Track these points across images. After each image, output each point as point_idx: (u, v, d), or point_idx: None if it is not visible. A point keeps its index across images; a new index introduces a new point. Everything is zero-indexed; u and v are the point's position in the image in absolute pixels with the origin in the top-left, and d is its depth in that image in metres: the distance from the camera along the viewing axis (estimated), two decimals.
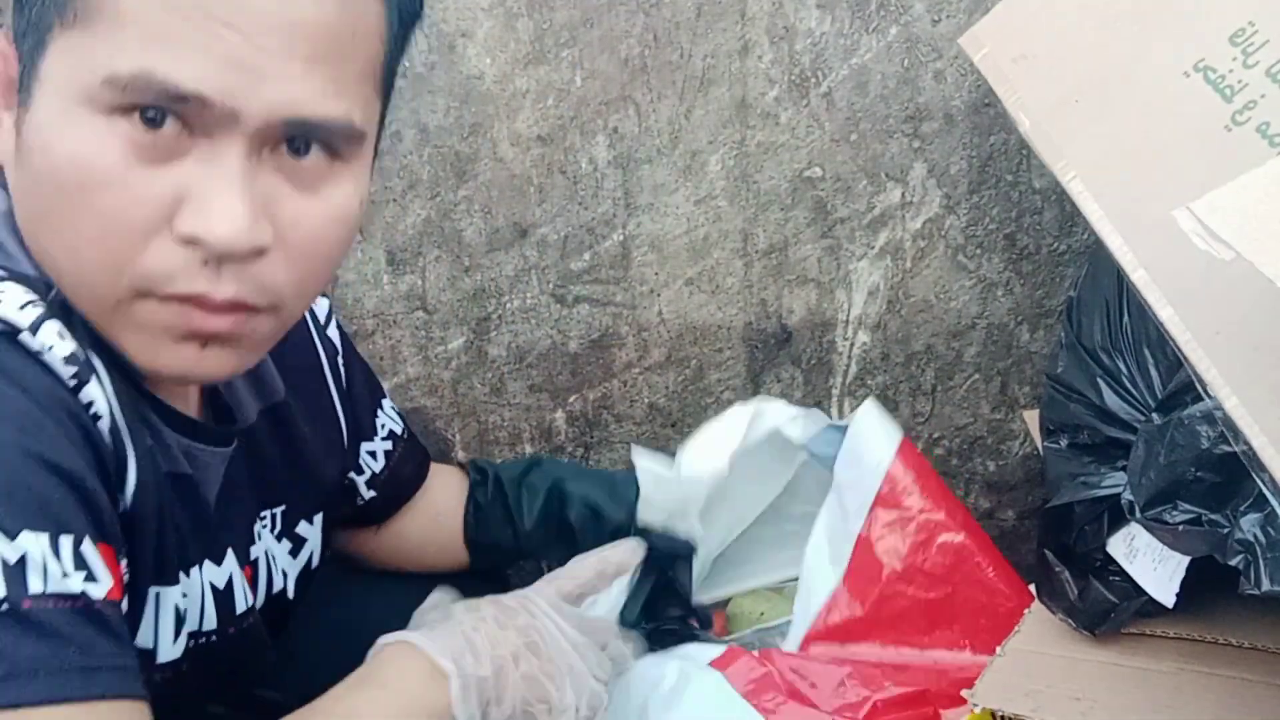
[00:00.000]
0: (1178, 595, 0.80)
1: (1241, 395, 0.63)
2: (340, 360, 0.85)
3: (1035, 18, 0.81)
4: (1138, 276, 0.70)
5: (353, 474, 0.89)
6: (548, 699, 0.71)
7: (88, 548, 0.52)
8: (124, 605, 0.55)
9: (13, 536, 0.49)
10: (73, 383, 0.55)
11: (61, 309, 0.56)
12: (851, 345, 1.13)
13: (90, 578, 0.51)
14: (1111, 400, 0.83)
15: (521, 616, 0.73)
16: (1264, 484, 0.65)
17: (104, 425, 0.56)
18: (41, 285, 0.56)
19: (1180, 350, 0.67)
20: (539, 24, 1.05)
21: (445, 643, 0.69)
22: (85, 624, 0.50)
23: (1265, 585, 0.67)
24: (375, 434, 0.89)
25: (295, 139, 0.56)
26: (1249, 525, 0.69)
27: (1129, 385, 0.82)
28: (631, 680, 0.83)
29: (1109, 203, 0.73)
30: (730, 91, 1.06)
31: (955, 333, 1.12)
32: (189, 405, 0.68)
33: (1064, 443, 0.87)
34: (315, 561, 0.82)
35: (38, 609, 0.49)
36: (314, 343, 0.82)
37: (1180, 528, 0.74)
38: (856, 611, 0.93)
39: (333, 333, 0.85)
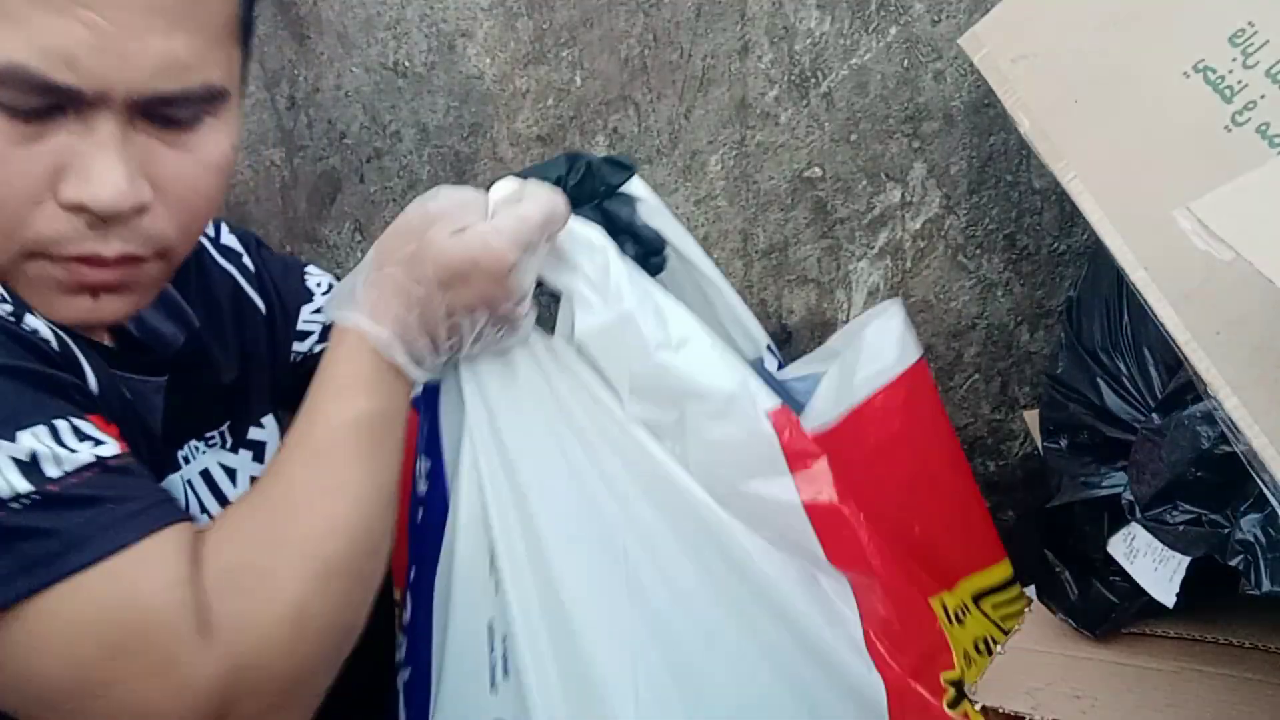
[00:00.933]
0: (1178, 595, 0.80)
1: (1241, 395, 0.63)
2: (246, 259, 0.86)
3: (1035, 18, 0.81)
4: (1138, 277, 0.70)
5: (297, 345, 0.89)
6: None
7: (80, 423, 0.55)
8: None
9: (13, 439, 0.52)
10: (12, 317, 0.58)
11: None
12: None
13: (96, 444, 0.55)
14: (1112, 401, 0.83)
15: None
16: (1264, 484, 0.65)
17: (53, 346, 0.59)
18: None
19: (1180, 350, 0.67)
20: (539, 24, 1.05)
21: (413, 324, 0.66)
22: (111, 480, 0.54)
23: (1265, 585, 0.67)
24: (314, 295, 0.91)
25: (162, 106, 0.58)
26: (1249, 525, 0.69)
27: (1129, 385, 0.82)
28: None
29: (1109, 203, 0.73)
30: (730, 91, 1.06)
31: (955, 333, 1.12)
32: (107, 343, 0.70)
33: (1064, 443, 0.88)
34: None
35: (64, 488, 0.53)
36: (214, 258, 0.83)
37: (1180, 528, 0.74)
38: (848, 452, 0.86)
39: (228, 240, 0.85)
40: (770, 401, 0.77)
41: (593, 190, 0.80)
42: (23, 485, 0.52)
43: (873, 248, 1.10)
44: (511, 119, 1.08)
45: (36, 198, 0.57)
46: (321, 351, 0.84)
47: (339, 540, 0.59)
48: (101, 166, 0.57)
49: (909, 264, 1.10)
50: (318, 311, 0.91)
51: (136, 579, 0.53)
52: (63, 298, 0.61)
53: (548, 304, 0.79)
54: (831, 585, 0.79)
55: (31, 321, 0.59)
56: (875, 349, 0.92)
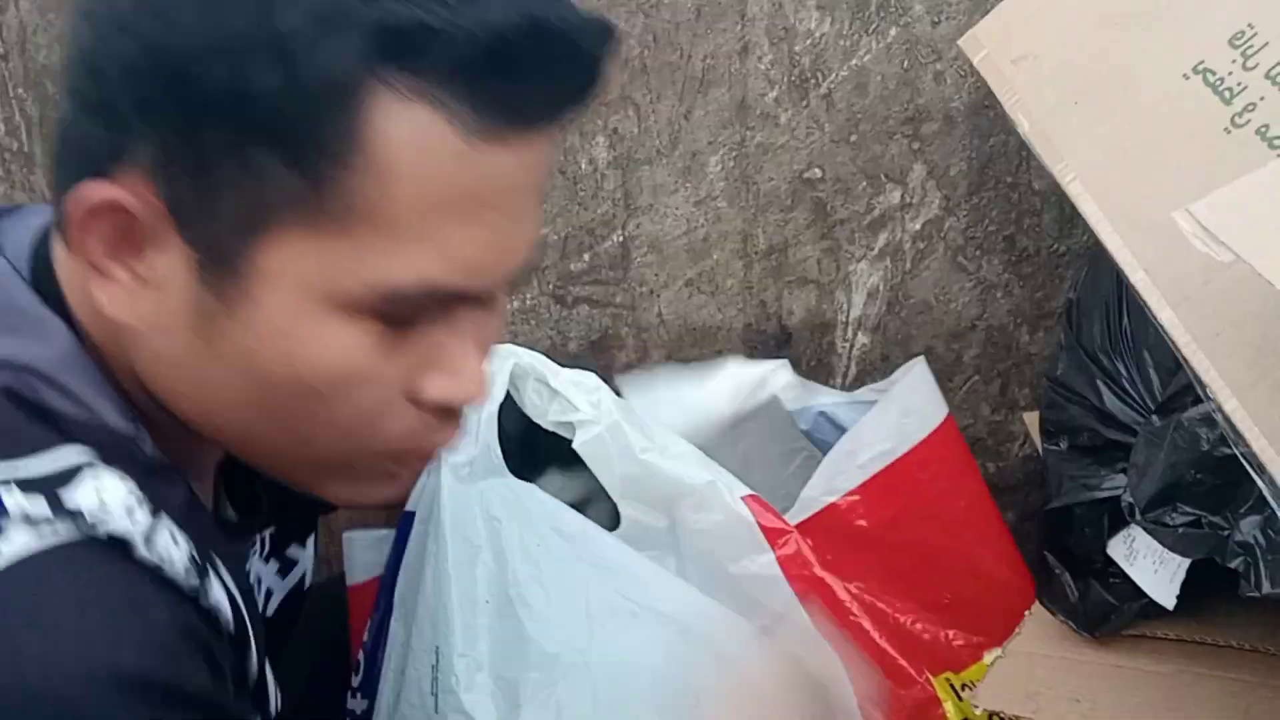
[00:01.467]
0: (1178, 597, 0.80)
1: (1241, 397, 0.63)
2: None
3: (1035, 19, 0.81)
4: (1137, 278, 0.70)
5: None
6: None
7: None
8: None
9: None
10: (194, 592, 0.49)
11: (151, 468, 0.51)
12: (851, 346, 1.13)
13: None
14: (1111, 402, 0.83)
15: None
16: (1264, 486, 0.65)
17: (226, 617, 0.52)
18: (127, 439, 0.51)
19: (1180, 352, 0.67)
20: None
21: None
22: None
23: (1265, 587, 0.67)
24: None
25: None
26: (1249, 527, 0.69)
27: (1129, 387, 0.82)
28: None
29: (1109, 204, 0.73)
30: (730, 92, 1.06)
31: (955, 334, 1.11)
32: (208, 499, 0.62)
33: (1064, 445, 0.88)
34: (307, 582, 0.78)
35: None
36: None
37: (1180, 530, 0.74)
38: (859, 527, 0.91)
39: None
40: (742, 489, 0.86)
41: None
42: None
43: (872, 249, 1.09)
44: None
45: (393, 400, 0.51)
46: None
47: None
48: (466, 361, 0.51)
49: (909, 265, 1.09)
50: None
51: None
52: (378, 485, 0.55)
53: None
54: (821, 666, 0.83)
55: (211, 593, 0.50)
56: (894, 418, 0.94)
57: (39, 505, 0.45)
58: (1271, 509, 0.66)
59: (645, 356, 1.15)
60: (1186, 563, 0.79)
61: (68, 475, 0.46)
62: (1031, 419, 1.02)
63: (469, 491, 0.85)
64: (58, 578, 0.44)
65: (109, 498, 0.47)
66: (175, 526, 0.49)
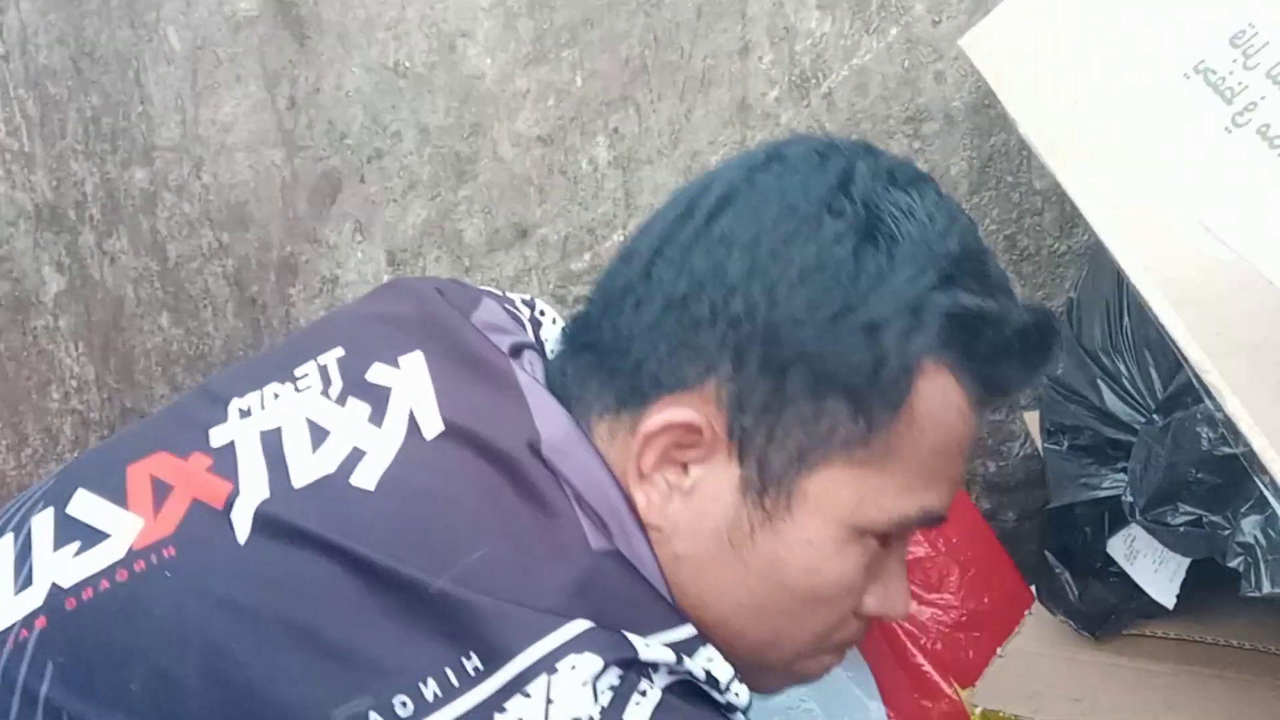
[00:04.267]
0: (1178, 596, 0.80)
1: (1242, 396, 0.63)
2: None
3: (1035, 19, 0.81)
4: (1138, 277, 0.70)
5: None
6: None
7: None
8: None
9: None
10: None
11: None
12: None
13: None
14: (1112, 402, 0.83)
15: None
16: (1264, 486, 0.65)
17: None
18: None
19: (1180, 351, 0.67)
20: (539, 24, 1.05)
21: None
22: None
23: (1266, 587, 0.67)
24: None
25: None
26: (1249, 527, 0.69)
27: (1129, 387, 0.82)
28: None
29: (1109, 204, 0.73)
30: (731, 92, 1.06)
31: None
32: None
33: (1064, 444, 0.88)
34: None
35: None
36: None
37: (1181, 529, 0.74)
38: None
39: None
40: None
41: None
42: None
43: None
44: (512, 119, 1.08)
45: (852, 610, 0.59)
46: None
47: None
48: (902, 582, 0.61)
49: None
50: None
51: None
52: (787, 681, 0.63)
53: None
54: (854, 674, 0.83)
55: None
56: None
57: (685, 663, 0.52)
58: (1272, 508, 0.66)
59: None
60: (1187, 562, 0.79)
61: (694, 645, 0.54)
62: (1032, 418, 1.02)
63: None
64: (701, 709, 0.52)
65: (722, 674, 0.54)
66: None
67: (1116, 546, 0.84)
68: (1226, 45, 0.72)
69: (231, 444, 0.54)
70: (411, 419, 0.54)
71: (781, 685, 0.63)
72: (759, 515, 0.55)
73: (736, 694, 0.54)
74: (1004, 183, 1.06)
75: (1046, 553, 0.91)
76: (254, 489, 0.52)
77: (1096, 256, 0.90)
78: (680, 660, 0.51)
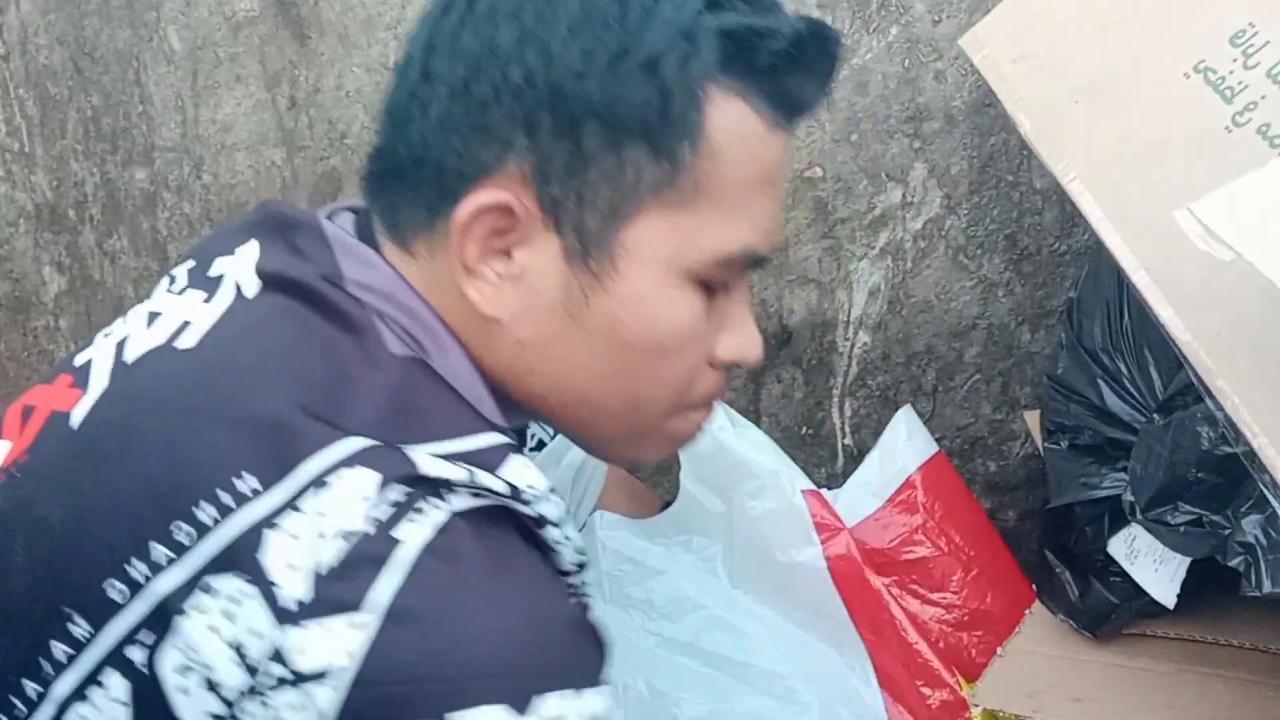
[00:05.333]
0: (1178, 596, 0.80)
1: (1242, 396, 0.63)
2: None
3: (1035, 19, 0.81)
4: (1138, 277, 0.70)
5: None
6: None
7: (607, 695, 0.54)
8: None
9: (582, 693, 0.49)
10: (578, 569, 0.57)
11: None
12: (852, 345, 1.13)
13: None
14: (1112, 401, 0.83)
15: None
16: (1265, 485, 0.65)
17: (575, 556, 0.58)
18: (504, 429, 0.57)
19: (1181, 351, 0.67)
20: None
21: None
22: None
23: (1266, 586, 0.67)
24: None
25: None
26: (1250, 526, 0.69)
27: (1130, 386, 0.82)
28: None
29: (1109, 203, 0.73)
30: None
31: (956, 333, 1.11)
32: None
33: (1065, 444, 0.88)
34: None
35: None
36: None
37: (1181, 528, 0.74)
38: (885, 540, 0.94)
39: None
40: (804, 482, 0.88)
41: None
42: None
43: (873, 248, 1.09)
44: None
45: (701, 361, 0.61)
46: None
47: None
48: (749, 324, 0.62)
49: (910, 264, 1.10)
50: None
51: None
52: (668, 446, 0.64)
53: None
54: (852, 662, 0.84)
55: (587, 575, 0.58)
56: (888, 455, 0.98)
57: (488, 479, 0.52)
58: (1272, 508, 0.66)
59: None
60: (1187, 562, 0.79)
61: (498, 455, 0.54)
62: (1032, 418, 1.02)
63: None
64: (501, 530, 0.52)
65: (533, 481, 0.54)
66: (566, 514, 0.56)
67: (1117, 546, 0.84)
68: (1226, 45, 0.72)
69: (89, 360, 0.58)
70: (237, 287, 0.57)
71: (662, 451, 0.65)
72: (588, 280, 0.56)
73: (566, 535, 0.55)
74: (1004, 182, 1.06)
75: (1046, 552, 0.91)
76: (98, 384, 0.56)
77: (1096, 256, 0.90)
78: (474, 476, 0.51)
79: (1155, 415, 0.79)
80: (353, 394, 0.53)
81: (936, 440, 1.15)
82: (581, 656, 0.51)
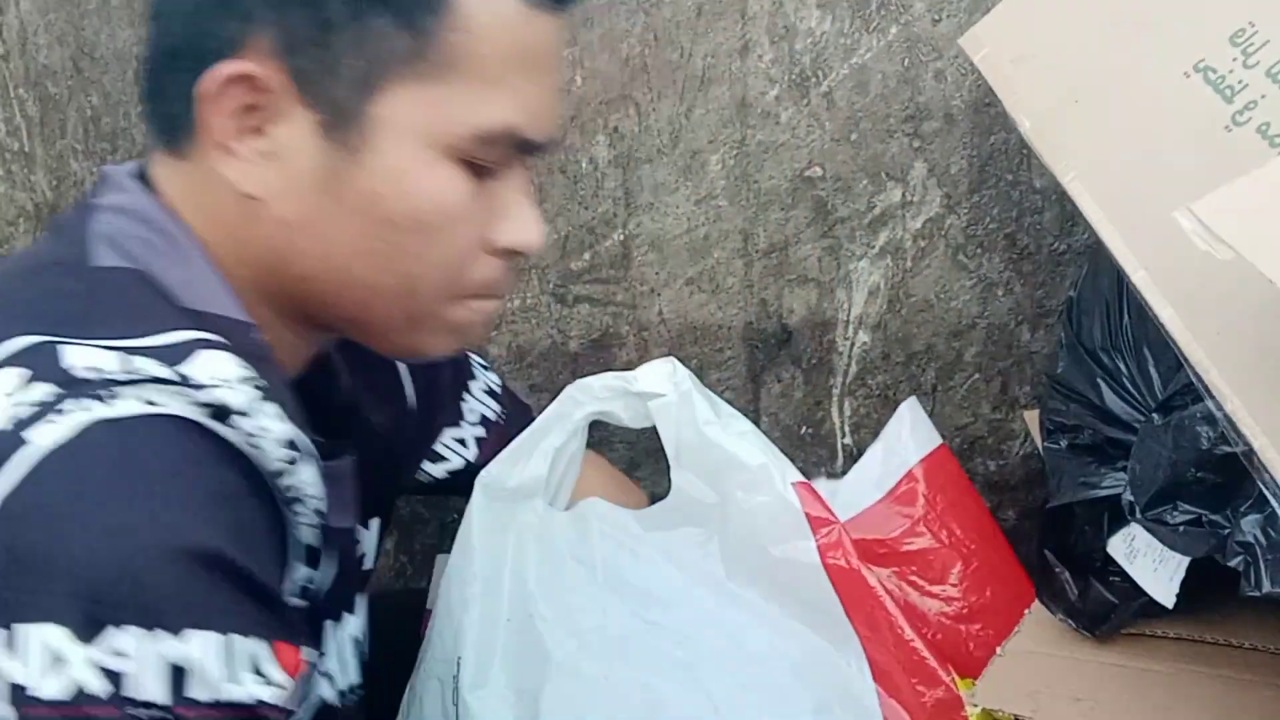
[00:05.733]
0: (1178, 596, 0.80)
1: (1242, 396, 0.63)
2: None
3: (1035, 18, 0.81)
4: (1138, 277, 0.70)
5: (429, 465, 0.90)
6: None
7: (260, 649, 0.49)
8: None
9: (178, 635, 0.46)
10: (282, 466, 0.54)
11: (259, 355, 0.56)
12: (852, 345, 1.13)
13: (264, 683, 0.49)
14: (1112, 401, 0.83)
15: None
16: (1264, 485, 0.65)
17: (313, 504, 0.56)
18: (242, 325, 0.57)
19: (1180, 351, 0.67)
20: None
21: None
22: None
23: (1266, 586, 0.67)
24: (461, 420, 0.91)
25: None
26: (1249, 526, 0.69)
27: (1129, 386, 0.82)
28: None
29: (1109, 203, 0.73)
30: (730, 91, 1.06)
31: (956, 332, 1.11)
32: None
33: (1064, 443, 0.88)
34: (366, 564, 0.78)
35: (202, 717, 0.47)
36: None
37: (1181, 528, 0.74)
38: (886, 534, 0.93)
39: None
40: (795, 475, 0.87)
41: None
42: (159, 695, 0.46)
43: (873, 247, 1.09)
44: None
45: (476, 246, 0.60)
46: (444, 482, 0.91)
47: None
48: (529, 212, 0.62)
49: (909, 263, 1.09)
50: (460, 441, 0.91)
51: None
52: (454, 337, 0.64)
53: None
54: (847, 657, 0.85)
55: (300, 474, 0.55)
56: (891, 447, 0.97)
57: (155, 368, 0.51)
58: (1272, 508, 0.66)
59: (646, 355, 1.15)
60: (1187, 561, 0.79)
61: (184, 350, 0.52)
62: (1032, 417, 1.02)
63: (500, 511, 0.87)
64: (153, 445, 0.49)
65: (219, 372, 0.52)
66: (278, 407, 0.54)
67: (1116, 546, 0.84)
68: (1226, 44, 0.71)
69: None
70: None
71: (445, 342, 0.64)
72: (344, 154, 0.56)
73: (262, 426, 0.53)
74: (1004, 181, 1.06)
75: (1046, 552, 0.91)
76: None
77: (1096, 256, 0.90)
78: (130, 362, 0.50)
79: (1155, 415, 0.78)
80: (40, 305, 0.53)
81: None
82: (182, 596, 0.47)
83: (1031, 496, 1.15)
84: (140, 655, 0.45)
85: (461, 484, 0.90)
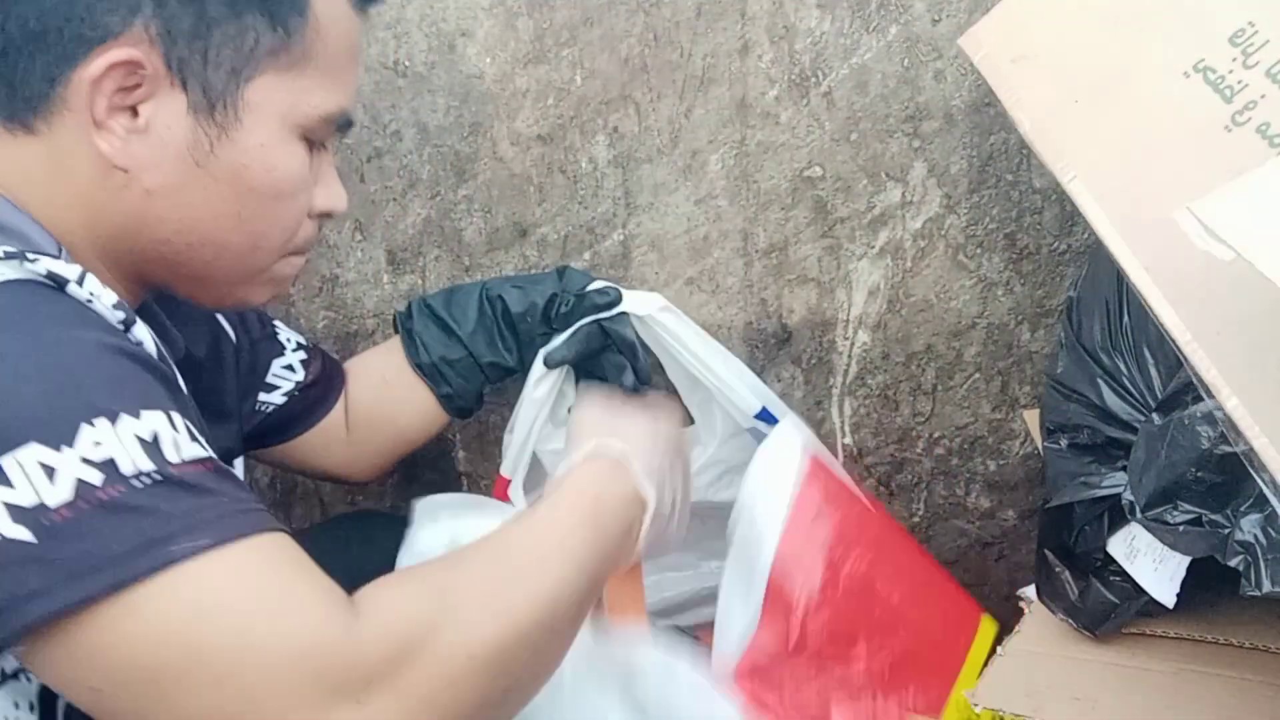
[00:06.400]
0: (1178, 595, 0.80)
1: (1242, 395, 0.63)
2: None
3: (1035, 18, 0.81)
4: (1138, 277, 0.70)
5: (264, 395, 0.96)
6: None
7: (190, 424, 0.58)
8: None
9: (138, 416, 0.54)
10: (121, 326, 0.61)
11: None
12: (852, 345, 1.13)
13: (203, 445, 0.58)
14: (1112, 400, 0.83)
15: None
16: (1264, 484, 0.65)
17: (151, 352, 0.63)
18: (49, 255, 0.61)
19: (1180, 350, 0.67)
20: (539, 23, 1.05)
21: (647, 463, 0.77)
22: (222, 479, 0.57)
23: (1266, 586, 0.67)
24: (285, 349, 0.98)
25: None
26: (1249, 526, 0.69)
27: (1129, 385, 0.82)
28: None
29: (1109, 203, 0.73)
30: (730, 91, 1.06)
31: (955, 332, 1.11)
32: None
33: (1064, 443, 0.88)
34: None
35: (184, 474, 0.55)
36: None
37: (1181, 528, 0.74)
38: (779, 649, 0.88)
39: None
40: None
41: (582, 313, 1.01)
42: (145, 463, 0.53)
43: (873, 247, 1.09)
44: (512, 118, 1.08)
45: (304, 209, 0.72)
46: (286, 406, 0.98)
47: (546, 601, 0.62)
48: (337, 179, 0.75)
49: (909, 263, 1.09)
50: (288, 368, 0.97)
51: (260, 566, 0.55)
52: (272, 288, 0.74)
53: None
54: None
55: (137, 333, 0.62)
56: (760, 492, 0.91)
57: None
58: (1272, 507, 0.66)
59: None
60: (1187, 561, 0.79)
61: (12, 256, 0.57)
62: (1032, 417, 1.02)
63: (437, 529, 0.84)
64: (19, 300, 0.56)
65: (48, 262, 0.58)
66: (101, 283, 0.60)
67: (1117, 545, 0.84)
68: (1226, 44, 0.72)
69: None
70: None
71: (267, 292, 0.74)
72: (214, 131, 0.65)
73: (90, 293, 0.59)
74: (1004, 181, 1.06)
75: (1047, 552, 0.91)
76: None
77: (1096, 255, 0.90)
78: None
79: (1155, 415, 0.78)
80: None
81: (936, 439, 1.16)
82: (117, 382, 0.55)
83: (1031, 496, 1.15)
84: (117, 439, 0.53)
85: (297, 410, 0.98)
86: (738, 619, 0.88)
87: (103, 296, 0.59)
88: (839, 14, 1.02)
